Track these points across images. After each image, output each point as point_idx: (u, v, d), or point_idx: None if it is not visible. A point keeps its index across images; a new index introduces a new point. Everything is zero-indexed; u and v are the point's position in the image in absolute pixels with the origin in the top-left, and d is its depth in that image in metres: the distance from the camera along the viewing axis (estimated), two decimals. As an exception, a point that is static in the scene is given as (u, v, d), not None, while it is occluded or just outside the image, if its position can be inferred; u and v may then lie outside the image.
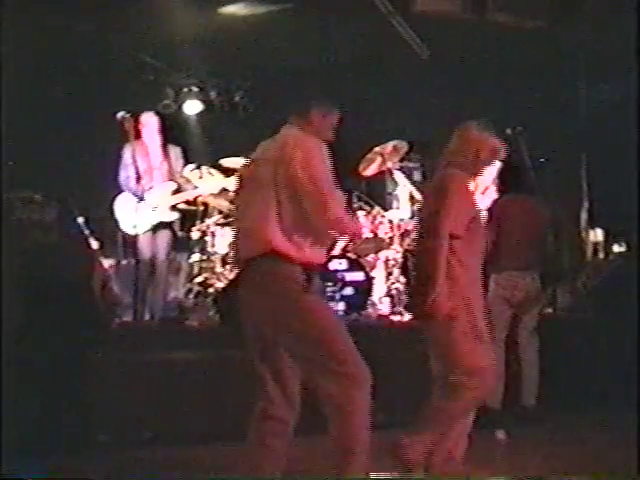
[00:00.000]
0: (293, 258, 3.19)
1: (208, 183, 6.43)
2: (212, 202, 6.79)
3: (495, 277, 5.13)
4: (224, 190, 6.63)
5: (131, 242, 6.19)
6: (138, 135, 6.25)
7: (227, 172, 6.69)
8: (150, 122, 6.42)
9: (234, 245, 3.51)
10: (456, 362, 3.48)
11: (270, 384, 3.34)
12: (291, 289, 3.19)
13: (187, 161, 6.60)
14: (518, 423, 4.91)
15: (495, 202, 5.34)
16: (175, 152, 6.49)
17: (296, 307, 3.19)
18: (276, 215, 3.21)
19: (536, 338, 5.21)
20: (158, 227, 6.26)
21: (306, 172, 3.19)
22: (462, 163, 3.70)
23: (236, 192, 3.60)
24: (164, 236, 6.33)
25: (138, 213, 6.12)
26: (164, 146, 6.45)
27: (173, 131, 6.90)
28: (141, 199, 6.16)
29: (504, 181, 5.50)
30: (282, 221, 3.20)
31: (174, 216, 6.37)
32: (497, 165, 6.20)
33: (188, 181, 6.44)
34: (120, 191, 6.30)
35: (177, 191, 6.36)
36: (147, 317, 6.17)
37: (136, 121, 6.21)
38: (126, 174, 6.26)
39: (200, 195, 6.52)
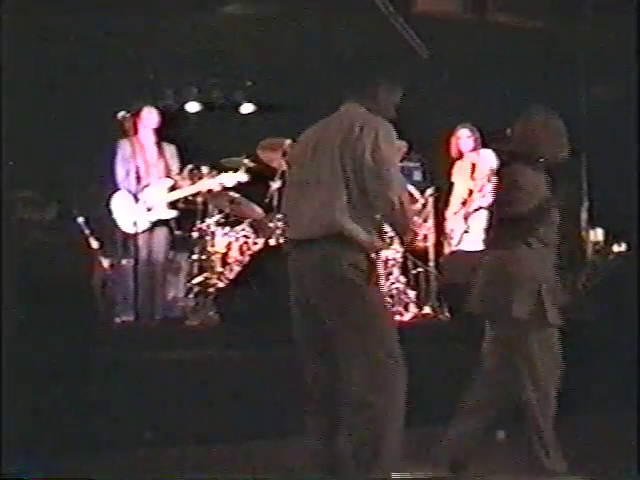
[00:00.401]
0: (359, 243, 3.14)
1: (205, 180, 6.43)
2: (212, 202, 6.79)
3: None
4: (224, 189, 6.63)
5: (130, 241, 6.18)
6: (135, 131, 6.24)
7: (227, 172, 6.69)
8: (149, 119, 6.42)
9: (291, 225, 3.41)
10: None
11: (316, 377, 3.31)
12: (355, 276, 3.14)
13: (186, 161, 6.60)
14: (518, 423, 4.90)
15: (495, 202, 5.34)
16: (170, 150, 6.50)
17: (357, 296, 3.14)
18: (344, 197, 3.14)
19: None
20: (156, 225, 6.26)
21: (375, 153, 3.12)
22: (530, 154, 3.66)
23: (291, 172, 3.51)
24: (162, 235, 6.32)
25: (136, 211, 6.11)
26: (159, 144, 6.45)
27: (173, 130, 6.90)
28: (138, 197, 6.14)
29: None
30: (350, 203, 3.14)
31: (172, 214, 6.37)
32: (495, 163, 6.25)
33: (184, 179, 6.43)
34: (116, 189, 6.29)
35: (173, 188, 6.35)
36: (147, 317, 6.16)
37: (135, 117, 6.21)
38: (124, 171, 6.25)
39: (198, 192, 6.50)
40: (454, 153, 6.69)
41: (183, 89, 8.20)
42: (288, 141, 6.83)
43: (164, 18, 6.87)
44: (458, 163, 6.72)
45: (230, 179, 6.44)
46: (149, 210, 6.19)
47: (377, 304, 3.23)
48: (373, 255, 3.22)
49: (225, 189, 6.64)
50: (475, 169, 6.50)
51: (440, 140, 7.08)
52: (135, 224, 6.03)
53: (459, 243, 6.58)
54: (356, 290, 3.14)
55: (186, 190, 6.40)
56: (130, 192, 6.18)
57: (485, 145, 6.53)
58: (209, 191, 6.57)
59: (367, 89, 3.38)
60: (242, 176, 6.46)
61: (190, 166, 6.53)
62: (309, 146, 3.38)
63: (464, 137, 6.59)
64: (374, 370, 3.13)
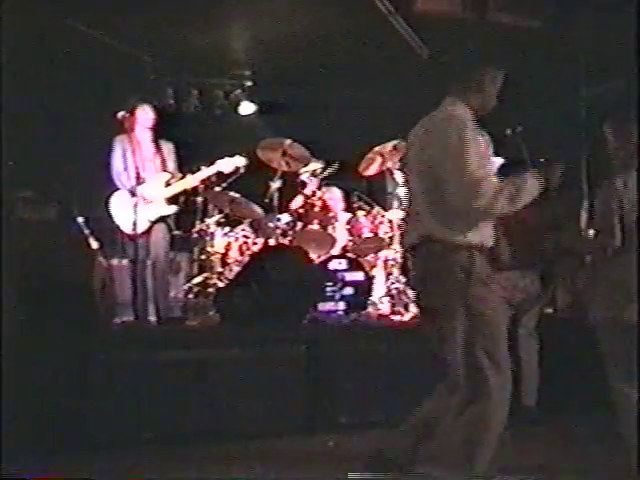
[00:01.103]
0: (453, 243, 3.16)
1: (202, 171, 6.39)
2: (212, 202, 6.78)
3: (495, 277, 5.12)
4: (224, 189, 6.62)
5: (130, 240, 6.13)
6: (132, 129, 6.21)
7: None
8: (144, 117, 6.38)
9: (403, 231, 3.54)
10: None
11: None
12: (455, 274, 3.16)
13: (185, 161, 6.57)
14: (518, 423, 4.90)
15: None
16: (168, 147, 6.44)
17: (460, 293, 3.16)
18: (431, 198, 3.19)
19: (536, 339, 5.20)
20: (156, 223, 6.22)
21: (444, 155, 3.15)
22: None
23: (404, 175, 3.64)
24: (161, 232, 6.28)
25: (135, 210, 6.01)
26: (156, 141, 6.41)
27: (172, 130, 6.89)
28: (135, 194, 6.06)
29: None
30: (435, 205, 3.18)
31: (173, 209, 6.32)
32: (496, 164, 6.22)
33: (174, 177, 6.38)
34: (115, 189, 6.26)
35: (169, 183, 6.30)
36: (147, 317, 6.16)
37: (131, 115, 6.18)
38: (118, 168, 6.20)
39: (195, 185, 6.46)
40: None
41: (183, 89, 8.19)
42: (288, 141, 6.83)
43: (165, 17, 6.87)
44: None
45: (227, 164, 6.37)
46: (149, 208, 6.14)
47: (481, 301, 3.20)
48: (477, 253, 3.21)
49: (224, 189, 6.63)
50: None
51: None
52: (135, 222, 5.98)
53: None
54: (455, 287, 3.16)
55: (184, 182, 6.32)
56: (127, 189, 6.08)
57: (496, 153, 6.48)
58: (207, 188, 6.54)
59: (474, 79, 3.40)
60: (240, 160, 6.40)
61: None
62: (408, 151, 3.48)
63: None
64: (473, 369, 3.15)
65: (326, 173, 7.24)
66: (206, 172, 6.37)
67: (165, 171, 6.32)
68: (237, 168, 6.42)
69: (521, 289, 5.06)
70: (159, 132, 6.49)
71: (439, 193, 3.16)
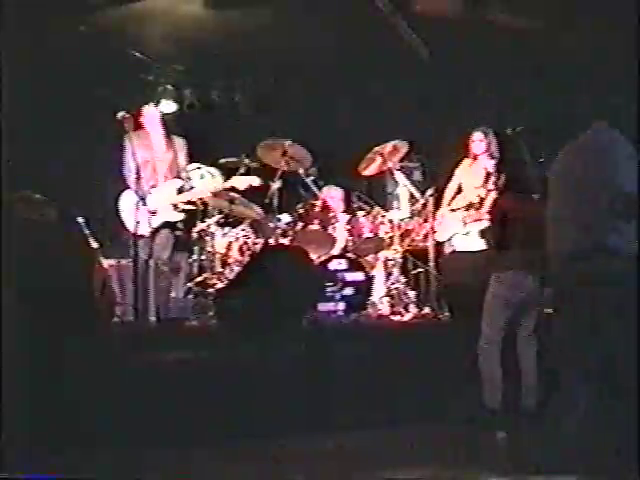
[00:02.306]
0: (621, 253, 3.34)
1: (217, 183, 6.40)
2: (212, 202, 6.78)
3: (497, 276, 5.11)
4: (225, 189, 6.61)
5: (133, 241, 6.10)
6: (139, 126, 6.20)
7: (227, 172, 6.68)
8: (151, 113, 6.39)
9: (562, 239, 3.59)
10: None
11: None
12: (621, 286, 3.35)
13: (190, 157, 6.57)
14: (518, 423, 4.91)
15: (497, 202, 5.34)
16: (179, 143, 6.44)
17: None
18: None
19: (535, 339, 5.19)
20: (162, 227, 6.23)
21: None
22: None
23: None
24: (166, 236, 6.28)
25: (142, 212, 5.97)
26: (167, 136, 6.41)
27: (173, 130, 6.89)
28: (145, 196, 6.02)
29: (505, 181, 5.49)
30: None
31: (180, 216, 6.33)
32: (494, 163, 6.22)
33: (189, 179, 6.39)
34: (124, 188, 6.25)
35: (181, 190, 6.31)
36: (148, 317, 6.15)
37: (137, 114, 6.17)
38: (129, 166, 6.17)
39: (210, 195, 6.46)
40: (469, 155, 6.66)
41: (183, 89, 8.19)
42: (288, 142, 6.82)
43: (165, 18, 6.88)
44: (467, 161, 6.68)
45: (242, 182, 6.40)
46: (154, 213, 6.13)
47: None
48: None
49: (225, 189, 6.62)
50: (489, 177, 6.42)
51: (440, 140, 7.08)
52: (141, 224, 5.95)
53: (448, 240, 6.58)
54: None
55: (195, 192, 6.35)
56: (136, 192, 5.92)
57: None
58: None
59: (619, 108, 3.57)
60: (254, 180, 6.43)
61: (191, 166, 6.51)
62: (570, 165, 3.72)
63: (477, 140, 6.56)
64: None
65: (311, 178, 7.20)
66: (220, 187, 6.38)
67: (177, 170, 6.32)
68: (250, 186, 6.45)
69: (523, 289, 5.03)
70: (169, 128, 6.49)
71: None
